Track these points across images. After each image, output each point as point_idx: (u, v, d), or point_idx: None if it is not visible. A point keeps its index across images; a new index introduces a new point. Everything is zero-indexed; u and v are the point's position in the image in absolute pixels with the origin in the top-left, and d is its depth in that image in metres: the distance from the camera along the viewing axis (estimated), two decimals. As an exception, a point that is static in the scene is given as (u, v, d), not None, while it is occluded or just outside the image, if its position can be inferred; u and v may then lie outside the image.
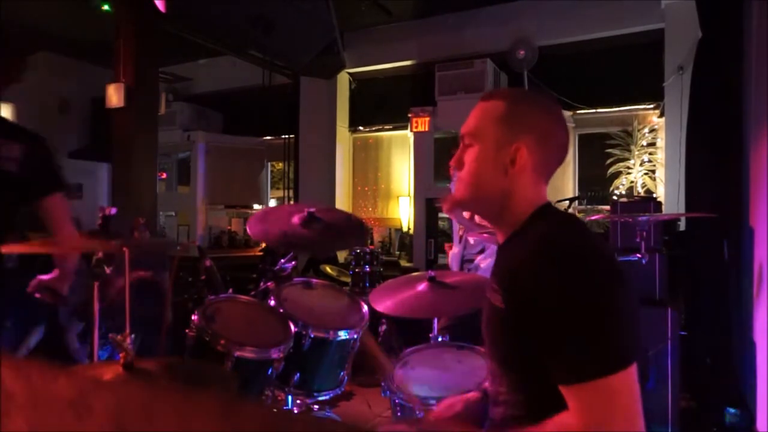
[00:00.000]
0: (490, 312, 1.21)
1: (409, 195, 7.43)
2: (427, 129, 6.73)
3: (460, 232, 3.30)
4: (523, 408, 1.18)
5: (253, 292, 2.74)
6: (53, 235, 1.92)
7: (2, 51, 1.84)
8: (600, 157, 6.05)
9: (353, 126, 8.01)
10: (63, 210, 1.99)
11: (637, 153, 5.87)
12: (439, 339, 2.31)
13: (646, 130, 5.92)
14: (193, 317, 2.19)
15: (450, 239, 5.56)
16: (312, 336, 2.34)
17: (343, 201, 7.87)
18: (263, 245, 8.15)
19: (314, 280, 2.77)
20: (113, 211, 1.87)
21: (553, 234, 1.14)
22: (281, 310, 2.40)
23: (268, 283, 2.64)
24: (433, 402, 1.75)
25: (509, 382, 1.20)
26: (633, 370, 1.02)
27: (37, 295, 1.96)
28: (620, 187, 5.89)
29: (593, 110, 6.52)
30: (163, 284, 3.68)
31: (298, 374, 2.35)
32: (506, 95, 1.26)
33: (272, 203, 9.42)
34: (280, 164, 8.69)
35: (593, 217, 5.44)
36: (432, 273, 2.25)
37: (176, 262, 3.04)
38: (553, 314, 1.03)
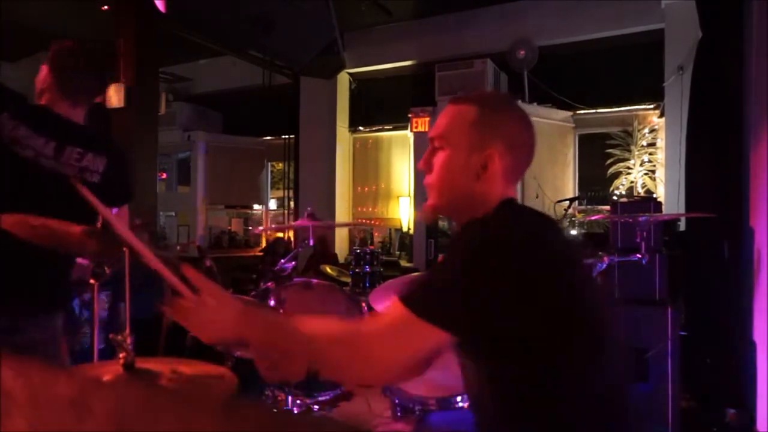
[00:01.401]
0: None
1: (409, 195, 7.43)
2: (427, 129, 6.72)
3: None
4: (487, 398, 1.17)
5: (253, 293, 2.74)
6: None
7: (90, 67, 1.89)
8: (600, 157, 6.06)
9: (353, 126, 8.01)
10: (125, 218, 2.08)
11: (637, 153, 5.87)
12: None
13: (646, 130, 5.93)
14: (193, 317, 2.18)
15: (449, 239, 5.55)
16: (312, 336, 2.34)
17: (343, 201, 7.88)
18: (263, 245, 8.17)
19: (314, 281, 2.77)
20: (113, 211, 1.87)
21: (480, 219, 1.16)
22: (281, 311, 2.40)
23: (268, 284, 2.63)
24: (433, 402, 1.76)
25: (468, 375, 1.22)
26: (433, 331, 1.02)
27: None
28: (620, 187, 5.90)
29: (593, 110, 6.52)
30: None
31: (298, 374, 2.35)
32: (478, 100, 1.26)
33: (272, 203, 9.43)
34: (280, 164, 8.69)
35: (593, 217, 5.45)
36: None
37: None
38: (445, 256, 1.13)
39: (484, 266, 1.03)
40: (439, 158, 1.22)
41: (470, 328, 1.04)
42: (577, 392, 1.09)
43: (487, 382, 1.14)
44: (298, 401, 2.47)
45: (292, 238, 6.63)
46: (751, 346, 3.08)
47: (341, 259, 7.16)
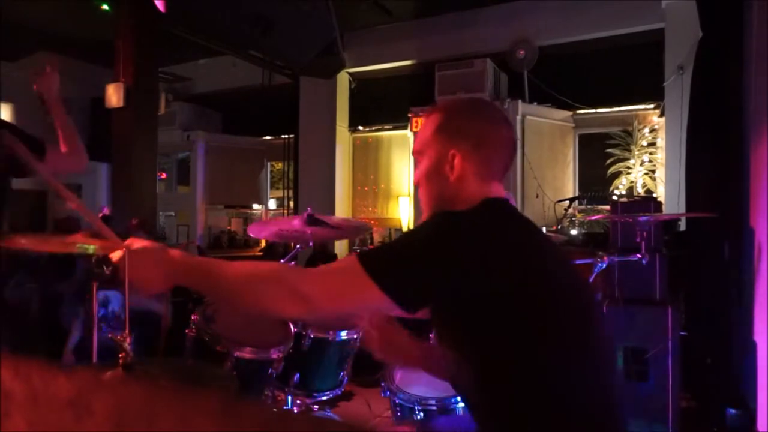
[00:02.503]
0: None
1: (409, 195, 7.43)
2: (427, 129, 6.72)
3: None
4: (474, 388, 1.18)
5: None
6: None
7: None
8: (600, 157, 6.06)
9: (353, 126, 8.01)
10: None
11: (637, 153, 5.87)
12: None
13: (646, 130, 5.93)
14: (193, 317, 2.19)
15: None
16: (312, 336, 2.34)
17: (343, 201, 7.88)
18: (263, 245, 8.17)
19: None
20: (106, 210, 1.88)
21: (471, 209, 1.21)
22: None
23: (268, 283, 2.63)
24: (433, 402, 1.75)
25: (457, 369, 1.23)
26: (372, 288, 1.05)
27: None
28: (620, 187, 5.90)
29: (593, 110, 6.52)
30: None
31: (298, 374, 2.35)
32: (443, 107, 1.32)
33: (272, 203, 9.43)
34: (280, 164, 8.69)
35: (593, 217, 5.45)
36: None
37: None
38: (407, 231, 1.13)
39: (444, 245, 1.07)
40: (420, 170, 1.30)
41: (411, 300, 1.07)
42: (555, 385, 1.09)
43: (468, 373, 1.15)
44: (298, 401, 2.47)
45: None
46: (751, 346, 3.08)
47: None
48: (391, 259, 1.10)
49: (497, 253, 1.08)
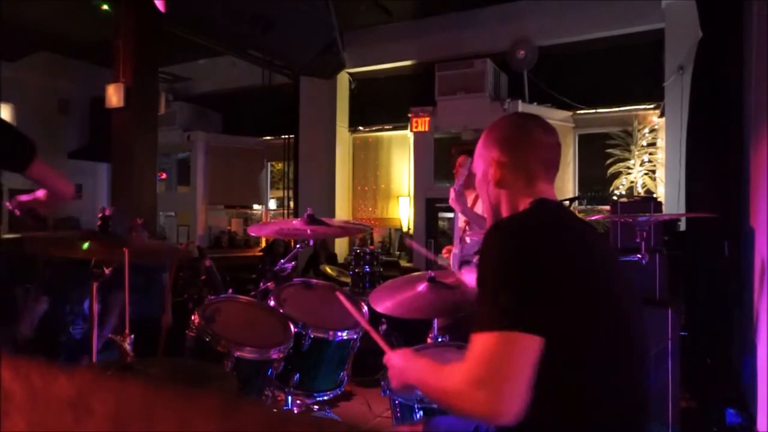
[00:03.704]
0: None
1: (409, 195, 7.43)
2: (427, 129, 6.73)
3: (461, 234, 3.31)
4: None
5: (253, 293, 2.74)
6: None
7: None
8: (600, 157, 6.06)
9: (353, 126, 8.01)
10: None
11: (637, 153, 5.87)
12: (439, 339, 2.31)
13: (646, 130, 5.92)
14: (193, 317, 2.19)
15: (450, 240, 5.55)
16: (312, 336, 2.34)
17: (343, 201, 7.88)
18: (263, 246, 8.17)
19: (314, 281, 2.77)
20: (107, 211, 1.86)
21: (510, 215, 1.31)
22: (281, 311, 2.40)
23: (268, 284, 2.63)
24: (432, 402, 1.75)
25: None
26: (518, 337, 1.04)
27: (17, 213, 1.92)
28: (620, 187, 5.90)
29: (593, 110, 6.52)
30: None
31: (298, 374, 2.35)
32: (489, 125, 1.43)
33: (272, 203, 9.43)
34: (280, 164, 8.69)
35: (593, 218, 5.44)
36: (432, 273, 2.25)
37: (176, 262, 3.04)
38: (478, 276, 1.15)
39: (508, 264, 1.11)
40: (476, 184, 1.43)
41: (549, 323, 1.07)
42: (590, 385, 1.11)
43: None
44: (298, 401, 2.47)
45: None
46: (751, 346, 3.08)
47: (341, 259, 7.16)
48: (505, 303, 1.07)
49: (547, 254, 1.13)
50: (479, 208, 3.14)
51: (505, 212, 1.34)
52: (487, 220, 1.42)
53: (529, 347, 1.04)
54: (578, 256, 1.19)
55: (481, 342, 1.07)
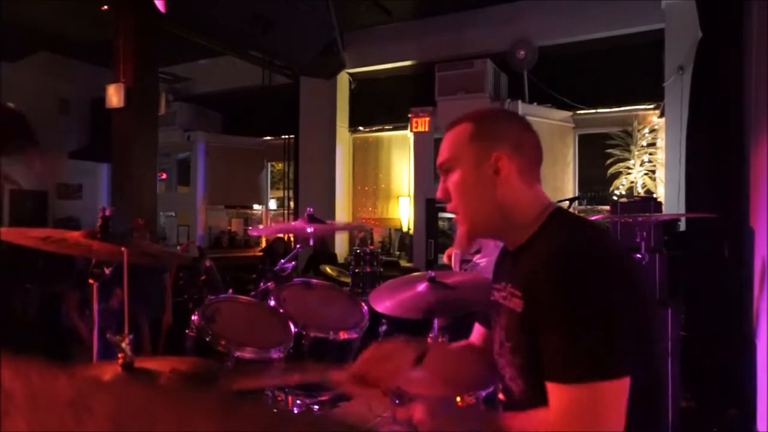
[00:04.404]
0: (510, 317, 1.18)
1: (409, 195, 7.44)
2: (427, 129, 6.73)
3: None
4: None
5: (253, 293, 2.74)
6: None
7: None
8: (600, 157, 6.06)
9: (353, 126, 8.01)
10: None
11: (637, 153, 5.88)
12: (439, 339, 2.31)
13: (646, 130, 5.93)
14: (193, 317, 2.19)
15: (451, 241, 5.55)
16: (312, 336, 2.34)
17: (343, 201, 7.88)
18: (263, 246, 8.17)
19: (314, 281, 2.77)
20: (107, 211, 1.86)
21: (569, 240, 1.13)
22: (281, 311, 2.40)
23: (268, 284, 2.63)
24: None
25: (529, 389, 1.17)
26: (623, 383, 1.00)
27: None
28: (620, 187, 5.90)
29: (593, 110, 6.52)
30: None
31: (298, 374, 2.35)
32: (470, 116, 1.28)
33: (272, 203, 9.43)
34: (280, 164, 8.69)
35: (593, 218, 5.44)
36: (432, 273, 2.25)
37: (176, 262, 3.04)
38: (559, 316, 1.03)
39: (609, 306, 1.03)
40: (452, 181, 1.23)
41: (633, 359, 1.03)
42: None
43: (530, 381, 1.13)
44: (298, 401, 2.46)
45: (292, 238, 6.63)
46: (751, 346, 3.08)
47: (341, 259, 7.16)
48: (624, 348, 1.02)
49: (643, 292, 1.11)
50: None
51: (511, 216, 1.20)
52: (462, 223, 1.25)
53: (622, 392, 1.00)
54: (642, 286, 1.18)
55: (577, 397, 1.00)
